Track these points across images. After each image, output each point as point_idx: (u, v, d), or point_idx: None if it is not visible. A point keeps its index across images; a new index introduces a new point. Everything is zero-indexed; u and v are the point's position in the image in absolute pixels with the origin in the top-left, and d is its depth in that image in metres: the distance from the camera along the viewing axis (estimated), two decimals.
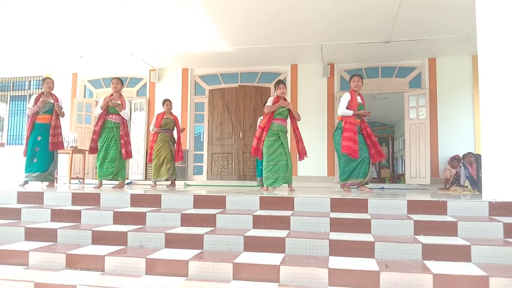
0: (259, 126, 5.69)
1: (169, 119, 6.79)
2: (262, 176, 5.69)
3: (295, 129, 5.57)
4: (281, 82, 5.57)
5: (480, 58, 3.87)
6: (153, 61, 9.19)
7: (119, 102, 5.84)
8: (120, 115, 5.85)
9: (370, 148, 5.23)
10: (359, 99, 5.28)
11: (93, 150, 5.80)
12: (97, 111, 5.83)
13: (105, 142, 5.77)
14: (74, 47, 8.23)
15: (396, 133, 17.30)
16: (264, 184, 5.47)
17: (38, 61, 9.17)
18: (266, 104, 5.56)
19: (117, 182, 5.94)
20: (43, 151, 5.75)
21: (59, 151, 6.06)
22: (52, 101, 5.86)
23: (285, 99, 5.60)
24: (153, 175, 6.69)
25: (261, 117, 6.14)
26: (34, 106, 5.75)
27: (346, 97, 5.26)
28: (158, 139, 6.72)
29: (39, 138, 5.74)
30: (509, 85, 3.66)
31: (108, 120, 5.81)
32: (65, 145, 7.87)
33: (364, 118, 5.30)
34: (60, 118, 5.97)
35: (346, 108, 5.18)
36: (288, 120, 5.63)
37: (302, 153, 5.56)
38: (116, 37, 7.63)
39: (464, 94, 8.29)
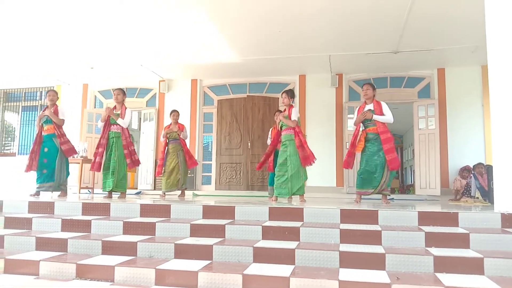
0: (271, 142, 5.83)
1: (172, 131, 6.80)
2: (272, 186, 5.68)
3: (296, 135, 5.34)
4: (283, 92, 5.57)
5: (490, 68, 3.86)
6: (162, 72, 9.28)
7: (118, 112, 5.92)
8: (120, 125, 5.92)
9: (386, 155, 5.00)
10: (369, 107, 5.20)
11: (98, 166, 5.85)
12: (99, 124, 6.02)
13: (106, 153, 5.87)
14: (85, 58, 8.34)
15: (405, 143, 17.21)
16: (274, 194, 5.39)
17: (50, 72, 9.30)
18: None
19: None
20: (51, 162, 5.81)
21: (69, 161, 6.12)
22: (51, 111, 5.92)
23: (290, 107, 5.48)
24: (163, 185, 6.70)
25: (271, 129, 6.23)
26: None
27: (356, 111, 5.37)
28: (167, 150, 6.76)
29: (46, 149, 5.83)
30: None
31: (110, 131, 5.92)
32: (75, 155, 7.98)
33: (369, 121, 5.15)
34: (63, 127, 6.02)
35: (355, 120, 5.32)
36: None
37: (304, 160, 5.25)
38: (126, 49, 7.73)
39: (473, 104, 8.23)
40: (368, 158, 5.08)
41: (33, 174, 5.86)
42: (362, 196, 5.24)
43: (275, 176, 5.39)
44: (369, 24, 6.41)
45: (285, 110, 5.56)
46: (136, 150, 6.60)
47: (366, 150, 5.13)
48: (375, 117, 5.06)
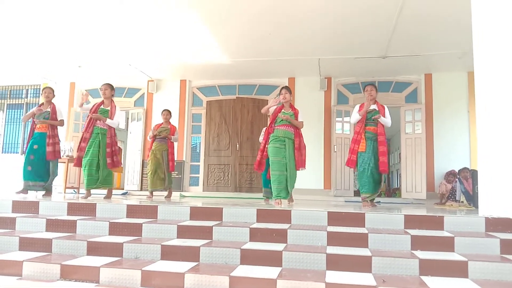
0: (263, 138, 5.46)
1: (164, 128, 6.75)
2: (267, 188, 5.61)
3: (296, 136, 5.23)
4: (283, 88, 5.35)
5: (476, 74, 3.92)
6: (151, 72, 9.22)
7: (107, 108, 5.78)
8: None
9: (379, 157, 5.02)
10: (373, 106, 5.17)
11: (79, 161, 5.65)
12: (78, 109, 5.91)
13: (90, 148, 5.62)
14: (73, 57, 8.25)
15: (392, 147, 17.36)
16: (274, 197, 5.14)
17: (36, 70, 9.18)
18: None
19: (105, 192, 5.88)
20: (38, 160, 5.69)
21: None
22: (49, 109, 5.84)
23: (291, 106, 5.38)
24: (149, 184, 6.64)
25: (264, 128, 5.89)
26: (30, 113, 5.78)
27: (355, 109, 5.26)
28: (152, 148, 6.67)
29: (35, 146, 5.71)
30: (505, 100, 3.70)
31: (96, 126, 5.68)
32: (61, 154, 7.87)
33: (371, 120, 5.10)
34: (58, 127, 5.94)
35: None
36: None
37: (298, 163, 5.21)
38: (114, 48, 7.67)
39: (459, 110, 8.37)
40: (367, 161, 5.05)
41: (19, 173, 5.74)
42: (365, 199, 5.06)
43: (273, 177, 5.09)
44: (358, 28, 6.48)
45: (292, 106, 5.38)
46: (122, 150, 6.51)
47: (366, 149, 5.05)
48: (381, 119, 5.08)
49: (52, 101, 5.97)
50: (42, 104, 5.90)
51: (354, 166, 5.16)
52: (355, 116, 5.19)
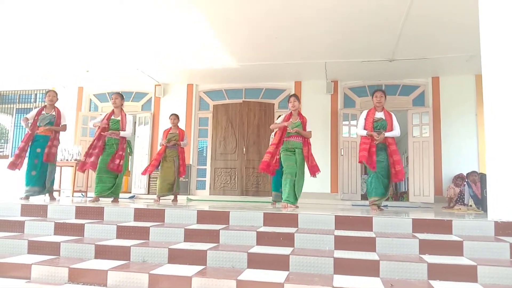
0: (272, 143, 5.49)
1: (173, 134, 6.80)
2: (277, 191, 5.62)
3: (304, 145, 5.31)
4: (292, 96, 5.41)
5: (484, 77, 3.89)
6: (158, 76, 9.27)
7: (118, 119, 5.85)
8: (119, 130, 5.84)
9: (391, 167, 5.00)
10: (380, 115, 5.14)
11: (94, 165, 5.67)
12: (91, 125, 5.92)
13: (105, 157, 5.72)
14: (81, 61, 8.32)
15: (399, 150, 17.18)
16: (283, 200, 5.17)
17: (45, 75, 9.26)
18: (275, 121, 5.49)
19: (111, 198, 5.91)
20: (42, 163, 5.68)
21: (63, 164, 6.04)
22: (54, 113, 5.86)
23: (299, 114, 5.43)
24: (158, 189, 6.67)
25: (272, 134, 5.99)
26: (32, 117, 5.75)
27: (362, 116, 5.23)
28: (165, 155, 6.72)
29: (38, 150, 5.68)
30: None
31: (109, 137, 5.79)
32: (69, 158, 7.94)
33: (381, 125, 5.07)
34: (61, 132, 5.98)
35: (364, 125, 5.13)
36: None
37: (312, 169, 5.34)
38: (122, 52, 7.72)
39: (467, 113, 8.31)
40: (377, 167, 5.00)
41: (24, 176, 5.73)
42: (374, 203, 5.04)
43: (285, 181, 5.15)
44: (365, 32, 6.47)
45: (288, 116, 5.42)
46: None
47: (377, 160, 5.00)
48: (387, 134, 5.03)
49: (55, 105, 5.99)
50: (44, 107, 5.89)
51: (366, 159, 4.97)
52: (362, 132, 5.13)
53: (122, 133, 5.82)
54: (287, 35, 6.72)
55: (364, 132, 5.07)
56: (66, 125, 6.04)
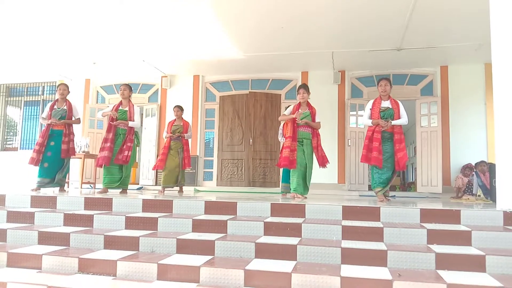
0: (285, 136, 5.40)
1: (178, 126, 6.81)
2: (286, 183, 5.62)
3: (313, 136, 5.34)
4: (301, 87, 5.38)
5: (494, 66, 3.84)
6: (165, 68, 9.28)
7: (125, 109, 5.89)
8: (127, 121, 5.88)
9: (395, 155, 4.93)
10: (386, 104, 5.05)
11: (108, 160, 5.69)
12: (99, 115, 6.02)
13: (115, 148, 5.77)
14: (88, 54, 8.35)
15: (407, 140, 17.10)
16: (292, 190, 5.21)
17: (52, 67, 9.31)
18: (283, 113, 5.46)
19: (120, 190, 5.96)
20: (54, 157, 5.77)
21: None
22: (65, 107, 5.91)
23: (308, 105, 5.41)
24: (163, 181, 6.70)
25: (281, 126, 5.98)
26: (47, 114, 5.82)
27: (368, 106, 5.16)
28: (170, 146, 6.74)
29: (52, 143, 5.78)
30: None
31: (118, 127, 5.85)
32: (77, 150, 7.99)
33: (388, 114, 4.98)
34: (74, 125, 6.03)
35: (371, 115, 5.06)
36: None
37: (321, 161, 5.34)
38: (128, 44, 7.73)
39: (476, 102, 8.22)
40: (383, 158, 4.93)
41: (35, 168, 5.81)
42: (378, 193, 5.00)
43: (294, 171, 5.19)
44: (372, 21, 6.40)
45: (309, 105, 5.39)
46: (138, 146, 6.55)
47: (383, 150, 4.95)
48: (394, 122, 4.94)
49: (67, 98, 6.03)
50: (56, 101, 5.95)
51: (365, 160, 4.99)
52: (367, 122, 5.08)
53: (130, 123, 5.86)
54: (294, 25, 6.67)
55: (370, 122, 5.03)
56: (79, 118, 6.08)
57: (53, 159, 5.78)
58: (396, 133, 4.97)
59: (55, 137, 5.81)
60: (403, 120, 5.03)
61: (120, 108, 5.94)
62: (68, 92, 6.06)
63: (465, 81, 8.32)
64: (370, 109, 5.10)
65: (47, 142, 5.78)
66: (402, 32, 6.78)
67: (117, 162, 5.75)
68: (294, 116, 5.25)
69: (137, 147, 6.36)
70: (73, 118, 5.99)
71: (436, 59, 8.15)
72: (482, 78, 8.22)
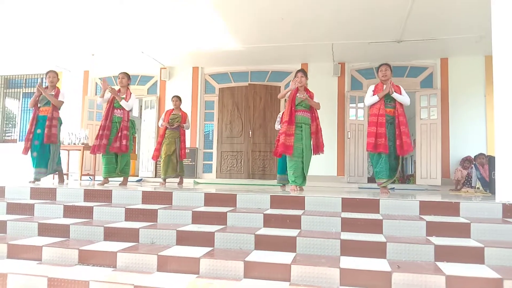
0: (282, 121, 5.14)
1: (176, 115, 6.78)
2: (283, 174, 5.54)
3: (312, 121, 5.17)
4: (299, 71, 5.19)
5: (494, 58, 3.83)
6: (164, 60, 9.23)
7: (123, 96, 5.82)
8: (123, 109, 5.79)
9: (397, 138, 4.77)
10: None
11: (103, 148, 5.65)
12: (99, 100, 5.96)
13: (111, 137, 5.70)
14: (86, 45, 8.29)
15: None
16: (290, 183, 5.07)
17: (50, 59, 9.25)
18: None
19: (121, 179, 5.93)
20: (41, 145, 5.61)
21: (70, 148, 6.03)
22: (53, 93, 5.70)
23: (306, 89, 5.22)
24: (162, 172, 6.70)
25: (280, 114, 5.86)
26: (35, 100, 5.66)
27: (370, 89, 5.04)
28: (166, 135, 6.72)
29: (38, 131, 5.61)
30: None
31: (114, 115, 5.79)
32: (76, 141, 7.97)
33: (388, 101, 4.88)
34: (59, 111, 5.82)
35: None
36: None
37: (316, 148, 5.16)
38: (127, 35, 7.67)
39: (476, 95, 8.20)
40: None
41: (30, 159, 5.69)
42: (383, 184, 4.85)
43: (290, 163, 5.01)
44: (372, 12, 6.35)
45: (306, 89, 5.22)
46: (136, 137, 6.50)
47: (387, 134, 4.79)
48: (395, 94, 4.83)
49: (57, 85, 5.88)
50: (46, 88, 5.76)
51: (372, 149, 4.80)
52: (372, 99, 4.92)
53: (123, 102, 5.75)
54: (294, 16, 6.63)
55: (375, 97, 4.87)
56: (62, 101, 5.79)
57: (40, 148, 5.61)
58: (399, 115, 4.84)
59: (41, 123, 5.61)
60: (406, 98, 4.94)
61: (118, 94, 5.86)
62: (58, 79, 5.89)
63: (465, 73, 8.29)
64: (373, 90, 5.00)
65: (34, 129, 5.63)
66: (402, 24, 6.74)
67: (112, 150, 5.70)
68: (293, 87, 5.02)
69: (134, 137, 6.31)
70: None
71: (436, 51, 8.11)
72: (482, 71, 8.19)
